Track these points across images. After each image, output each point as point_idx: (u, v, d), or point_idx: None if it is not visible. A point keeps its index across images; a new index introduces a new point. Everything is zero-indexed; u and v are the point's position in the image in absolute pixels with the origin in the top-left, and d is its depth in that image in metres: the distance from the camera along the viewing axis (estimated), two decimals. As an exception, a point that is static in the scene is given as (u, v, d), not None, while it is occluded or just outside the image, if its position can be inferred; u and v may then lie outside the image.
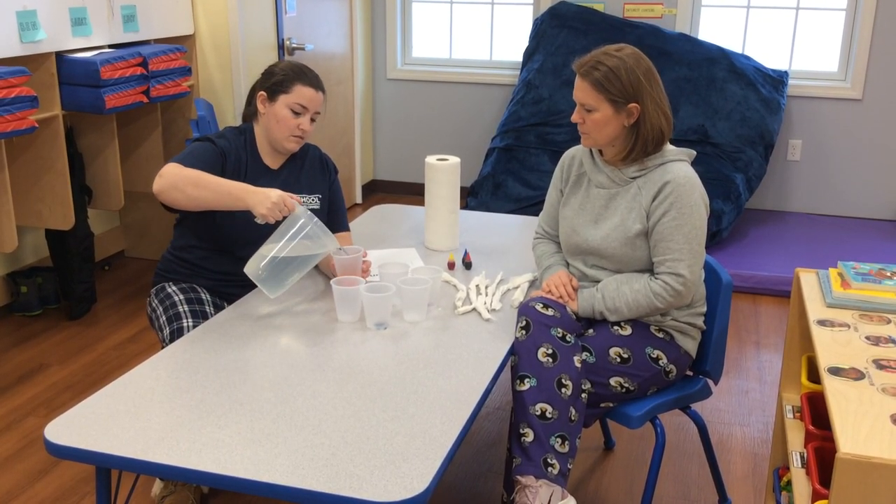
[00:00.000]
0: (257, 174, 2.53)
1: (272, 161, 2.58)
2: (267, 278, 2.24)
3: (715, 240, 4.75)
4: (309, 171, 2.65)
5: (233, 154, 2.49)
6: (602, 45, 2.30)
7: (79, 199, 3.92)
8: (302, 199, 2.58)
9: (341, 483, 1.56)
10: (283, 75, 2.50)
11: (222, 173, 2.45)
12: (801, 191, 5.51)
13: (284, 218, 2.27)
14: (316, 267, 2.58)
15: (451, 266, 2.66)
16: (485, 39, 5.89)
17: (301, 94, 2.49)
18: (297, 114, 2.49)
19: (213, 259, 2.55)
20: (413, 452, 1.66)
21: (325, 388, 1.91)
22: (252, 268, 2.25)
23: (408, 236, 2.98)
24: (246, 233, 2.50)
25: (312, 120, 2.54)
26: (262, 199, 2.23)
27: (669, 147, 2.30)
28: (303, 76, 2.51)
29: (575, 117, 2.28)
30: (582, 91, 2.24)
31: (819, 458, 1.93)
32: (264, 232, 2.48)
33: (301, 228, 2.24)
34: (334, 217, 2.68)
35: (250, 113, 2.60)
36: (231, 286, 2.56)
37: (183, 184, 2.28)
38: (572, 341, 2.17)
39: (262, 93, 2.52)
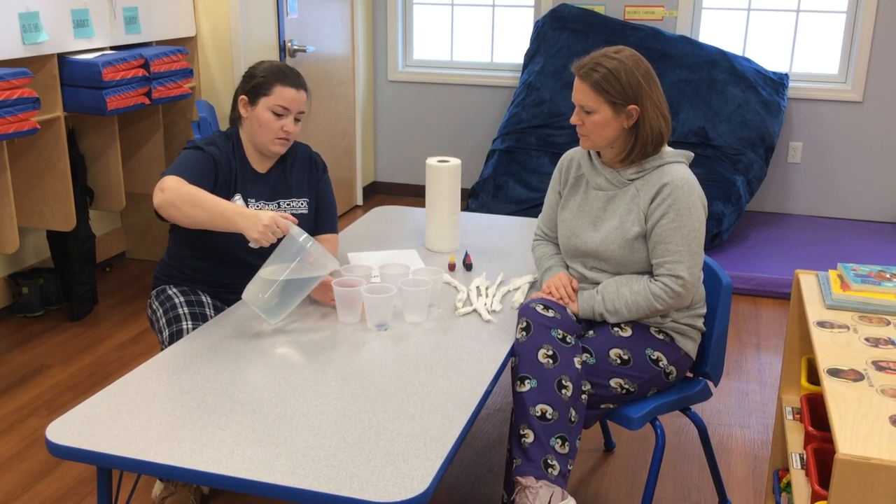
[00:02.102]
0: (246, 179, 2.50)
1: (260, 165, 2.54)
2: (266, 304, 2.17)
3: (715, 242, 4.76)
4: (298, 174, 2.60)
5: (223, 161, 2.45)
6: (603, 48, 2.30)
7: (80, 200, 3.93)
8: (291, 204, 2.56)
9: (342, 483, 1.56)
10: (263, 77, 2.45)
11: (215, 181, 2.43)
12: (801, 193, 5.51)
13: (279, 240, 2.21)
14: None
15: (451, 267, 2.66)
16: (486, 41, 5.90)
17: (281, 95, 2.44)
18: (279, 115, 2.45)
19: (207, 270, 2.53)
20: (413, 453, 1.66)
21: (325, 389, 1.91)
22: (250, 294, 2.18)
23: (408, 238, 2.99)
24: (236, 242, 2.47)
25: (297, 120, 2.48)
26: (254, 223, 2.17)
27: (667, 149, 2.31)
28: (283, 77, 2.46)
29: (574, 119, 2.28)
30: (581, 93, 2.24)
31: (819, 460, 1.93)
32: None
33: (298, 251, 2.17)
34: (321, 216, 2.62)
35: (236, 117, 2.55)
36: (229, 293, 2.54)
37: (180, 202, 2.23)
38: (572, 342, 2.18)
39: (243, 97, 2.48)
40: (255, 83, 2.46)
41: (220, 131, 2.56)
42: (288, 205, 2.55)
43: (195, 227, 2.27)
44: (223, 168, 2.45)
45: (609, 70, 2.20)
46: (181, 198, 2.24)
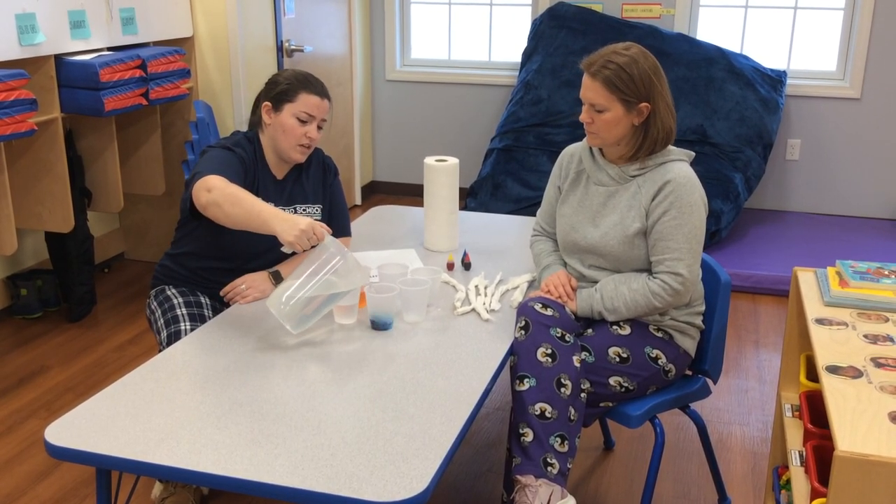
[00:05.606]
0: (266, 185, 2.50)
1: (278, 171, 2.54)
2: (291, 314, 2.10)
3: (714, 239, 4.76)
4: (314, 180, 2.61)
5: (249, 163, 2.45)
6: (601, 46, 2.29)
7: (78, 201, 3.92)
8: (306, 210, 2.56)
9: (341, 483, 1.56)
10: (288, 84, 2.46)
11: (243, 183, 2.42)
12: (799, 190, 5.51)
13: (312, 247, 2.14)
14: None
15: (450, 267, 2.66)
16: (483, 40, 5.90)
17: (306, 102, 2.45)
18: (303, 122, 2.45)
19: (211, 271, 2.52)
20: (413, 452, 1.66)
21: (324, 389, 1.91)
22: (275, 302, 2.11)
23: (407, 237, 2.99)
24: (249, 245, 2.47)
25: (319, 128, 2.49)
26: (290, 227, 2.09)
27: (671, 147, 2.30)
28: (308, 84, 2.47)
29: (583, 117, 2.26)
30: (592, 91, 2.22)
31: (818, 457, 1.93)
32: (266, 245, 2.46)
33: (329, 261, 2.10)
34: (333, 220, 2.63)
35: (256, 122, 2.55)
36: None
37: (223, 200, 2.18)
38: (571, 341, 2.18)
39: (267, 103, 2.48)
40: (280, 90, 2.46)
41: (242, 133, 2.54)
42: (304, 210, 2.55)
43: (231, 225, 2.21)
44: (249, 171, 2.45)
45: (621, 67, 2.18)
46: (225, 197, 2.19)
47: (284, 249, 2.15)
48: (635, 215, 2.26)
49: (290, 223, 2.11)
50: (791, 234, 5.09)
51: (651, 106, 2.21)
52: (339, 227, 2.66)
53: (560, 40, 5.27)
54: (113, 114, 3.67)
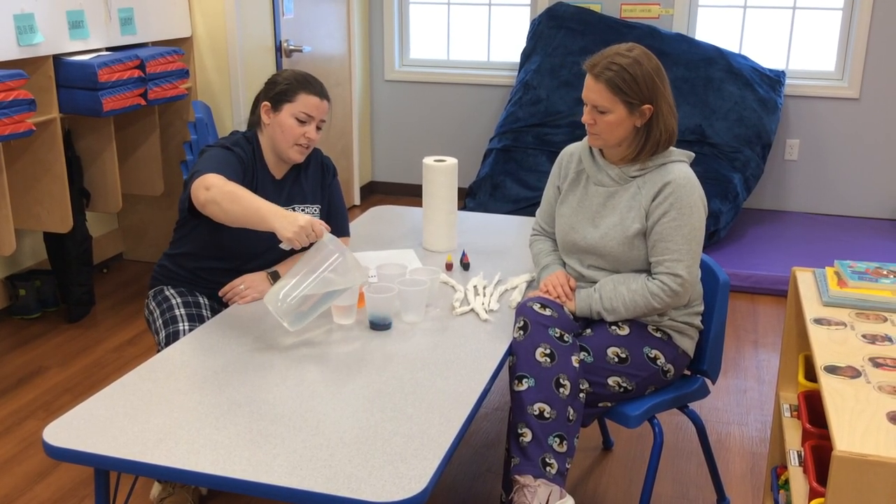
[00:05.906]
0: (265, 184, 2.50)
1: (277, 171, 2.54)
2: (288, 311, 2.09)
3: (713, 239, 4.76)
4: (312, 180, 2.61)
5: (248, 163, 2.46)
6: (600, 47, 2.29)
7: (77, 201, 3.92)
8: (305, 210, 2.56)
9: (339, 484, 1.56)
10: (287, 84, 2.46)
11: (241, 182, 2.42)
12: (798, 190, 5.52)
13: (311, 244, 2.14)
14: None
15: (448, 267, 2.66)
16: (482, 40, 5.90)
17: (306, 102, 2.45)
18: (302, 122, 2.45)
19: (210, 271, 2.52)
20: (411, 453, 1.66)
21: (323, 389, 1.91)
22: (272, 299, 2.09)
23: (406, 237, 2.99)
24: (248, 245, 2.47)
25: (318, 128, 2.49)
26: (290, 223, 2.08)
27: (672, 148, 2.30)
28: (307, 85, 2.47)
29: (586, 118, 2.25)
30: (595, 92, 2.21)
31: (816, 457, 1.93)
32: (265, 246, 2.46)
33: (327, 258, 2.09)
34: (332, 221, 2.63)
35: (255, 121, 2.55)
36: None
37: (221, 198, 2.18)
38: (570, 341, 2.18)
39: (266, 103, 2.48)
40: (280, 90, 2.46)
41: (240, 133, 2.54)
42: (303, 210, 2.55)
43: (230, 223, 2.21)
44: (247, 170, 2.45)
45: (624, 68, 2.18)
46: (223, 195, 2.19)
47: (283, 246, 2.14)
48: (635, 216, 2.26)
49: (288, 220, 2.11)
50: (790, 234, 5.09)
51: (653, 107, 2.21)
52: (338, 228, 2.66)
53: (559, 40, 5.27)
54: (111, 114, 3.67)
